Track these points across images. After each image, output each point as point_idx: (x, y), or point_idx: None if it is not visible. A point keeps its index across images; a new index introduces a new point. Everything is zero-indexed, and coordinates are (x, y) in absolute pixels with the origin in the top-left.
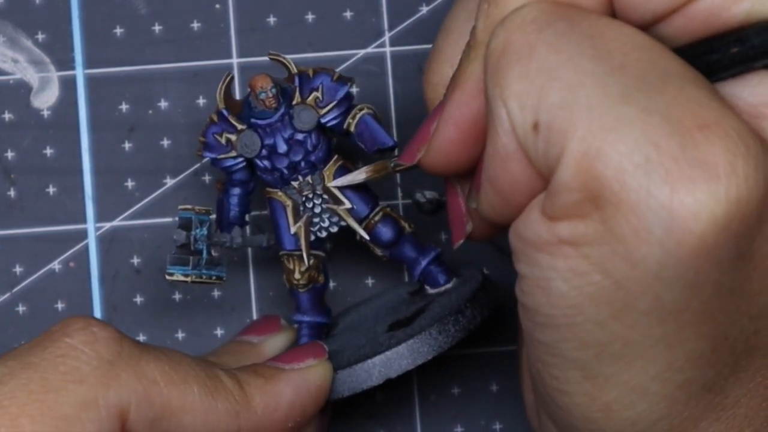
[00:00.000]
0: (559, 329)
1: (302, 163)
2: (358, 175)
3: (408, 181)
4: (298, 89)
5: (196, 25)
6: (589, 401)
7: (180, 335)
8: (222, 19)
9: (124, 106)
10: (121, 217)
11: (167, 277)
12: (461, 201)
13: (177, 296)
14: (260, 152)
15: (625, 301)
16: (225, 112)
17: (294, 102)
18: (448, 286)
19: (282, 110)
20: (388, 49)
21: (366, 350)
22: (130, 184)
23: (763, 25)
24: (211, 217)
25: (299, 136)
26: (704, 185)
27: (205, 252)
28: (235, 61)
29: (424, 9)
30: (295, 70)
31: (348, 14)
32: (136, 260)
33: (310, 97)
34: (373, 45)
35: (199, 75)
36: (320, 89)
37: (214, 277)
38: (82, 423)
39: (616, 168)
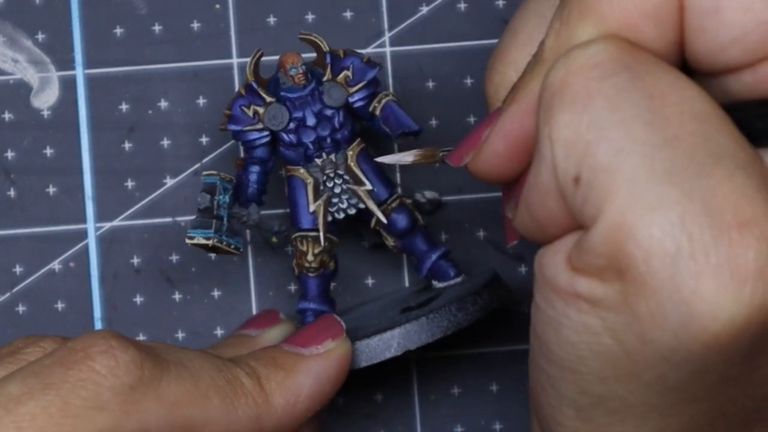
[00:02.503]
0: (563, 370)
1: (328, 140)
2: (406, 157)
3: (408, 181)
4: (329, 67)
5: (196, 25)
6: None
7: (180, 335)
8: (222, 19)
9: (124, 106)
10: (121, 217)
11: (187, 241)
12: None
13: (177, 296)
14: (287, 125)
15: (630, 369)
16: (254, 85)
17: (324, 79)
18: (458, 280)
19: (312, 85)
20: (388, 49)
21: (383, 326)
22: (130, 184)
23: None
24: (233, 185)
25: (328, 112)
26: (729, 287)
27: (226, 219)
28: (235, 61)
29: (424, 9)
30: (327, 48)
31: (348, 14)
32: (136, 260)
33: (341, 76)
34: (373, 45)
35: (199, 75)
36: (351, 69)
37: (233, 246)
38: None
39: (646, 250)
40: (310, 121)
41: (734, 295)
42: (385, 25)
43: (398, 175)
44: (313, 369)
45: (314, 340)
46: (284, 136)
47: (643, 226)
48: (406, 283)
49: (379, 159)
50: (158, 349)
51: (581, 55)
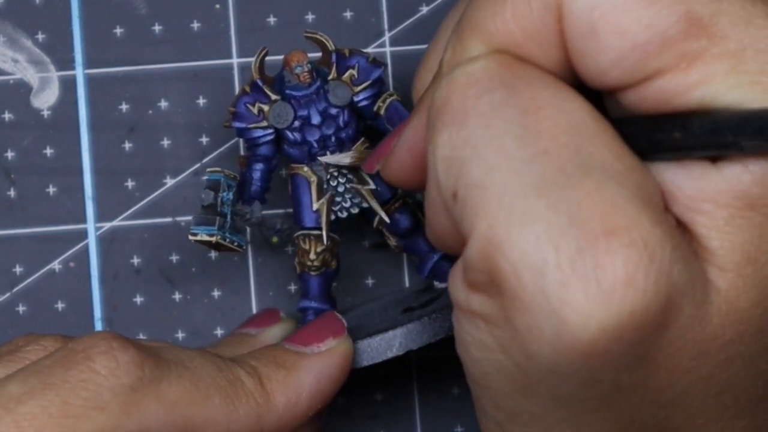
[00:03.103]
0: (478, 387)
1: (332, 138)
2: (345, 158)
3: None
4: (335, 66)
5: (196, 25)
6: None
7: (180, 335)
8: (222, 19)
9: (124, 106)
10: (121, 217)
11: (190, 238)
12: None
13: (177, 296)
14: (292, 124)
15: (526, 383)
16: (259, 82)
17: (330, 77)
18: None
19: (317, 84)
20: (388, 49)
21: (385, 325)
22: (130, 184)
23: (708, 117)
24: (237, 182)
25: (333, 111)
26: (596, 296)
27: (229, 216)
28: (235, 61)
29: (424, 9)
30: (332, 47)
31: (348, 14)
32: (136, 260)
33: (346, 75)
34: (373, 45)
35: (199, 75)
36: (356, 68)
37: (236, 243)
38: None
39: (514, 263)
40: (315, 119)
41: (603, 303)
42: (385, 25)
43: None
44: (314, 368)
45: (315, 339)
46: (289, 134)
47: (511, 240)
48: (407, 284)
49: (323, 159)
50: (159, 349)
51: (462, 72)
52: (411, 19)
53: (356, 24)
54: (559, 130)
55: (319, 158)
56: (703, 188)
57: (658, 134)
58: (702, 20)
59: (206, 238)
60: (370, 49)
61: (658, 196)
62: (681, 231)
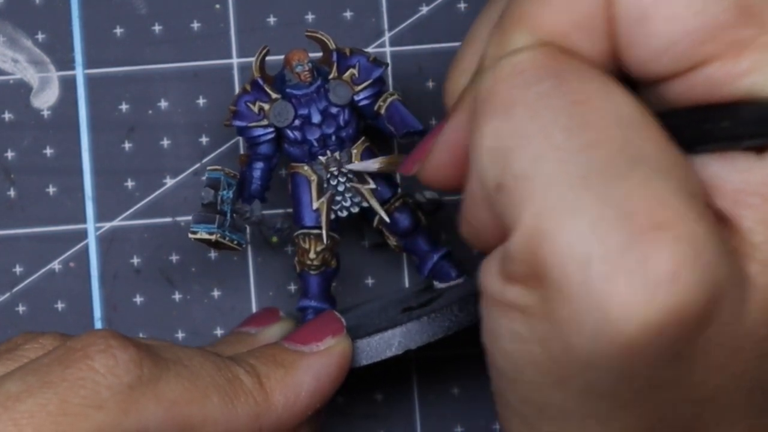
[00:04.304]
0: (506, 380)
1: (333, 137)
2: (373, 164)
3: (408, 180)
4: (336, 65)
5: (196, 25)
6: None
7: (180, 335)
8: (222, 19)
9: (124, 106)
10: (121, 217)
11: (190, 236)
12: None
13: (177, 296)
14: (292, 122)
15: (561, 376)
16: (260, 81)
17: (330, 77)
18: (459, 281)
19: (318, 83)
20: (388, 49)
21: (384, 325)
22: (130, 184)
23: (758, 104)
24: (237, 180)
25: (333, 110)
26: (641, 290)
27: (229, 215)
28: (235, 61)
29: (424, 9)
30: (333, 45)
31: (348, 14)
32: (136, 260)
33: (347, 74)
34: (373, 45)
35: (199, 75)
36: (357, 67)
37: (235, 242)
38: None
39: (560, 255)
40: (315, 118)
41: (647, 298)
42: (385, 25)
43: (398, 175)
44: (313, 366)
45: (314, 337)
46: (289, 133)
47: (556, 232)
48: (407, 284)
49: (348, 166)
50: (157, 347)
51: (508, 63)
52: (411, 19)
53: (356, 24)
54: (607, 122)
55: (346, 167)
56: (749, 181)
57: (706, 124)
58: (752, 8)
59: (206, 236)
60: (370, 49)
61: (701, 190)
62: (722, 226)
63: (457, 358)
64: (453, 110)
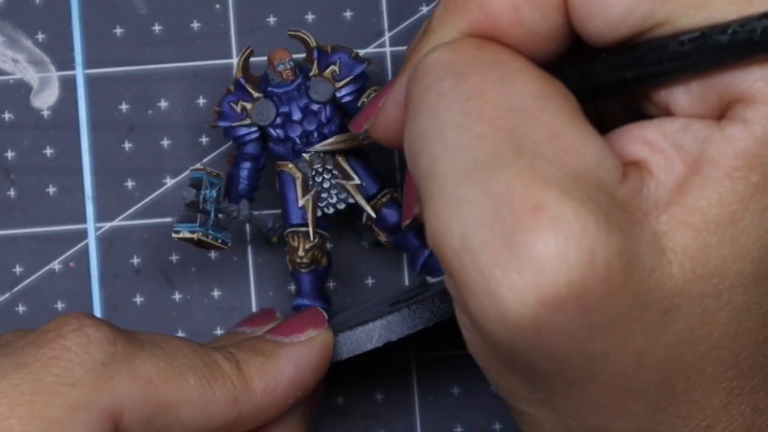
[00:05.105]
0: (480, 366)
1: (315, 134)
2: (334, 143)
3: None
4: (316, 62)
5: (196, 25)
6: (525, 430)
7: (180, 335)
8: (222, 19)
9: (124, 106)
10: (121, 217)
11: (174, 236)
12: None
13: (177, 296)
14: (274, 120)
15: (503, 362)
16: (242, 81)
17: (311, 74)
18: None
19: (299, 80)
20: (388, 49)
21: (367, 318)
22: (130, 184)
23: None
24: (221, 180)
25: (314, 107)
26: (528, 272)
27: (213, 214)
28: (235, 61)
29: (424, 9)
30: (314, 43)
31: (348, 14)
32: (136, 260)
33: (327, 71)
34: (373, 45)
35: (199, 75)
36: (338, 64)
37: (219, 240)
38: (73, 426)
39: (455, 248)
40: (296, 115)
41: (537, 278)
42: (385, 25)
43: (398, 174)
44: (293, 355)
45: (295, 330)
46: (272, 131)
47: (450, 227)
48: (407, 283)
49: (316, 147)
50: (134, 332)
51: (421, 65)
52: (411, 19)
53: (356, 24)
54: (498, 114)
55: (306, 151)
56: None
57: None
58: None
59: (188, 235)
60: (370, 49)
61: (604, 169)
62: (632, 197)
63: (457, 358)
64: (402, 70)
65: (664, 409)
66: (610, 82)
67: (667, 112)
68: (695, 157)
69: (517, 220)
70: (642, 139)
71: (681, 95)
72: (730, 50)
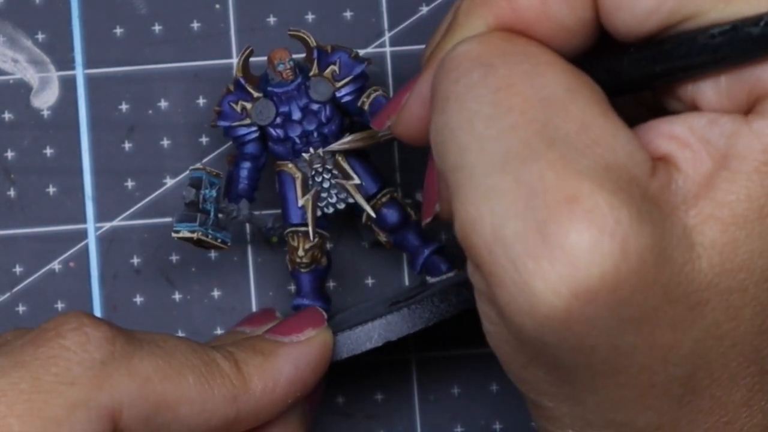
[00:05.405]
0: (500, 359)
1: (315, 134)
2: (352, 142)
3: (408, 181)
4: (316, 62)
5: (196, 25)
6: (541, 424)
7: (180, 335)
8: (222, 19)
9: (124, 106)
10: (121, 217)
11: (173, 235)
12: (435, 179)
13: (177, 296)
14: (274, 120)
15: (531, 354)
16: (242, 81)
17: (311, 74)
18: (450, 274)
19: (299, 80)
20: (388, 49)
21: (367, 318)
22: (130, 184)
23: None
24: (221, 180)
25: (314, 107)
26: (563, 262)
27: (212, 213)
28: (235, 61)
29: (424, 9)
30: (314, 43)
31: (348, 14)
32: (136, 260)
33: (327, 71)
34: (373, 45)
35: (199, 75)
36: (338, 64)
37: (219, 240)
38: (72, 424)
39: (486, 239)
40: (296, 115)
41: (571, 270)
42: (385, 25)
43: (398, 174)
44: (292, 354)
45: (295, 329)
46: (271, 130)
47: (481, 217)
48: (406, 283)
49: (327, 148)
50: (133, 331)
51: (448, 56)
52: (411, 19)
53: (356, 24)
54: (528, 105)
55: (325, 149)
56: (735, 144)
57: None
58: None
59: (188, 234)
60: (370, 49)
61: (634, 162)
62: (661, 192)
63: (457, 358)
64: (426, 66)
65: (687, 404)
66: (638, 76)
67: (692, 107)
68: (723, 151)
69: (550, 211)
70: (669, 134)
71: (709, 90)
72: (762, 43)
